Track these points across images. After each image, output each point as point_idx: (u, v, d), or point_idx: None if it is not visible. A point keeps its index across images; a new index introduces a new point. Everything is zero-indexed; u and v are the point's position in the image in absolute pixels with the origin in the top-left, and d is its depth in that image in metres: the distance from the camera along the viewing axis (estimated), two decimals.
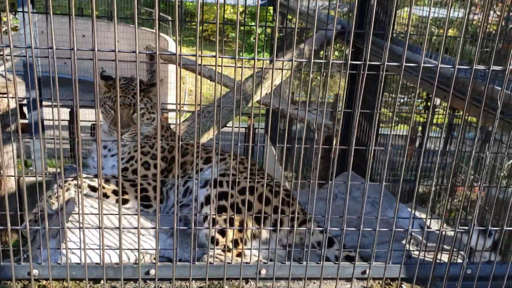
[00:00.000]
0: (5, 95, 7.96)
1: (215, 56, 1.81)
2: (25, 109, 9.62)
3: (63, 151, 2.11)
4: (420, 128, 6.66)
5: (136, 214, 2.42)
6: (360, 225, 2.13)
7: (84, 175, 2.83)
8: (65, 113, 10.97)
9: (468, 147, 4.53)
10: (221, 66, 2.09)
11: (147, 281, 2.39)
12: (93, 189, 2.85)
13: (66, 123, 11.01)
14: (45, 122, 10.03)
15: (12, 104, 7.32)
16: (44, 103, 9.48)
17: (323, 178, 6.59)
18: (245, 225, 2.54)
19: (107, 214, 2.57)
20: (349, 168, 2.20)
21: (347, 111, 5.25)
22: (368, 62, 1.93)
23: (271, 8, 11.17)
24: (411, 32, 5.84)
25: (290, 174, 10.05)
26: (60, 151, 1.99)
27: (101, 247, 2.11)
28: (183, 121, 3.89)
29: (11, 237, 2.90)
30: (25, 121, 9.52)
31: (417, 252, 2.51)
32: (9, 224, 2.13)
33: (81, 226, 2.11)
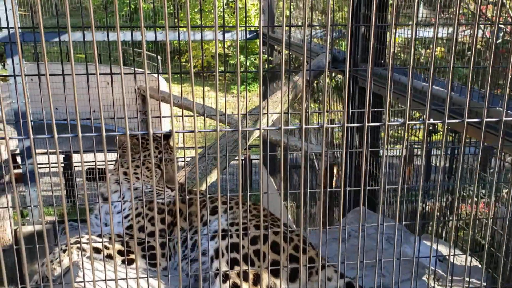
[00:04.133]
0: None
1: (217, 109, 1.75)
2: (18, 158, 9.52)
3: (60, 199, 2.03)
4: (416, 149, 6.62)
5: (145, 277, 2.29)
6: (380, 265, 2.03)
7: (87, 237, 2.67)
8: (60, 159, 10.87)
9: (467, 165, 4.48)
10: (225, 114, 2.03)
11: None
12: (96, 250, 2.70)
13: (62, 170, 10.92)
14: (40, 170, 9.94)
15: (5, 155, 7.23)
16: (37, 150, 9.41)
17: (328, 209, 6.48)
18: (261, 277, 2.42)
19: (125, 279, 2.42)
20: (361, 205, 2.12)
21: (347, 141, 5.21)
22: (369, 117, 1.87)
23: (257, 41, 11.27)
24: (398, 54, 5.86)
25: (291, 204, 9.93)
26: (64, 211, 1.90)
27: None
28: (183, 167, 3.81)
29: None
30: (19, 170, 9.40)
31: None
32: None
33: None
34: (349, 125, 1.64)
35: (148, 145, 2.88)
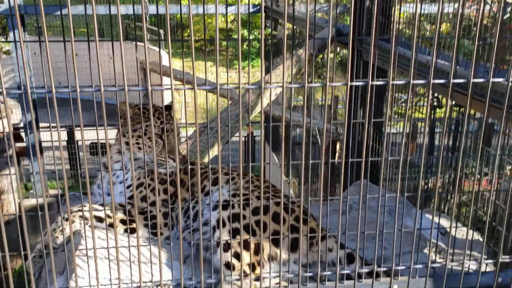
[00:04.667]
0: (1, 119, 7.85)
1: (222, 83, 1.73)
2: (22, 133, 9.54)
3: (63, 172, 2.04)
4: (420, 124, 6.58)
5: (147, 245, 2.31)
6: (381, 237, 2.03)
7: (88, 207, 2.67)
8: (63, 133, 10.89)
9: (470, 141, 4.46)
10: (227, 85, 2.00)
11: None
12: (99, 219, 2.73)
13: (65, 143, 10.92)
14: (43, 144, 9.96)
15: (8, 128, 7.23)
16: (41, 124, 9.41)
17: (329, 184, 6.49)
18: (261, 247, 2.44)
19: (125, 247, 2.43)
20: (362, 178, 2.11)
21: (353, 122, 5.18)
22: (373, 83, 1.85)
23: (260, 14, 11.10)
24: (404, 30, 5.77)
25: (293, 180, 9.96)
26: (65, 181, 1.90)
27: (119, 283, 2.01)
28: (185, 141, 3.80)
29: (16, 263, 2.78)
30: (23, 144, 9.43)
31: (442, 261, 2.41)
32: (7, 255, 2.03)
33: (95, 260, 2.01)
34: (353, 83, 1.64)
35: (149, 115, 2.88)
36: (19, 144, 9.08)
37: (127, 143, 2.92)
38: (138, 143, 2.90)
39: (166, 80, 13.26)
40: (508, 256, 1.80)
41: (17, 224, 2.45)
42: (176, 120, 2.21)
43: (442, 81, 1.82)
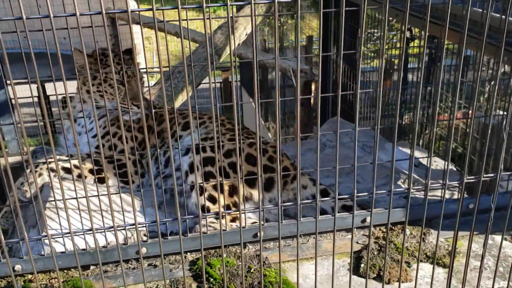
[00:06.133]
0: None
1: (177, 8, 1.60)
2: None
3: (36, 129, 1.93)
4: (396, 61, 6.52)
5: (117, 193, 2.26)
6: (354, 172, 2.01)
7: (57, 158, 2.62)
8: (33, 89, 10.53)
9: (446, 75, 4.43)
10: (186, 20, 1.88)
11: (139, 260, 2.27)
12: (67, 171, 2.65)
13: (36, 99, 10.62)
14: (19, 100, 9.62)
15: None
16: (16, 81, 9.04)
17: (305, 125, 6.49)
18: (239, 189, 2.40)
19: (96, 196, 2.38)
20: (338, 114, 2.06)
21: (324, 54, 5.07)
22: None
23: None
24: None
25: (272, 125, 9.94)
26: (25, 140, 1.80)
27: (93, 231, 1.96)
28: (153, 85, 3.66)
29: None
30: None
31: (416, 192, 2.42)
32: None
33: (66, 211, 1.95)
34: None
35: (108, 61, 2.74)
36: None
37: (87, 92, 2.81)
38: (99, 91, 2.78)
39: (136, 28, 12.77)
40: (472, 177, 1.79)
41: None
42: (138, 65, 2.09)
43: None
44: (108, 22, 8.37)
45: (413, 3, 3.42)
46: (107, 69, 2.76)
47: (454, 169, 3.05)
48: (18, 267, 2.12)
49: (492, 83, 3.89)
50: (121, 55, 2.78)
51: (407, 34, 4.34)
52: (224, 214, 2.03)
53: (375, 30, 7.06)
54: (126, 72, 2.71)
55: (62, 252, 2.19)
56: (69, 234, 1.77)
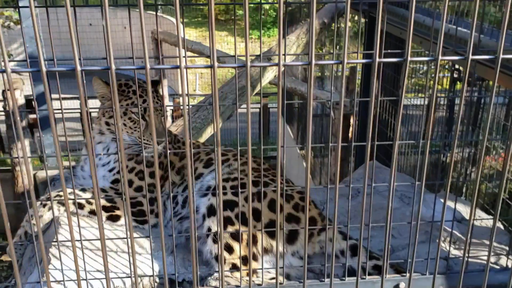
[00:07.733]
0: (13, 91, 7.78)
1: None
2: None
3: (70, 145, 1.88)
4: (441, 95, 6.29)
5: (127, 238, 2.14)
6: (388, 227, 1.84)
7: (68, 190, 2.46)
8: (75, 104, 10.79)
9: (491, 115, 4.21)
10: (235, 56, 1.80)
11: None
12: (79, 206, 2.52)
13: (78, 115, 10.86)
14: (57, 115, 9.88)
15: (21, 100, 7.17)
16: (52, 96, 9.29)
17: (342, 160, 6.29)
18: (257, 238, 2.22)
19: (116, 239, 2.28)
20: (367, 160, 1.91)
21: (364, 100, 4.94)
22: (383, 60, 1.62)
23: None
24: None
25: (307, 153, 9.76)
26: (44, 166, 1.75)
27: (107, 278, 1.87)
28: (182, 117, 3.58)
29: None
30: (35, 115, 9.38)
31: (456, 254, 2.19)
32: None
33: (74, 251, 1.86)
34: (381, 60, 1.41)
35: (130, 93, 2.61)
36: (31, 116, 9.04)
37: (107, 123, 2.67)
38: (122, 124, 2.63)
39: (181, 51, 12.95)
40: None
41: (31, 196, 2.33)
42: (162, 98, 1.98)
43: (486, 57, 1.44)
44: (153, 45, 8.49)
45: (460, 43, 3.27)
46: (128, 101, 2.63)
47: (501, 226, 2.78)
48: None
49: None
50: (145, 87, 2.61)
51: (455, 74, 4.16)
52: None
53: (421, 65, 6.86)
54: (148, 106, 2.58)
55: None
56: (75, 279, 1.66)
